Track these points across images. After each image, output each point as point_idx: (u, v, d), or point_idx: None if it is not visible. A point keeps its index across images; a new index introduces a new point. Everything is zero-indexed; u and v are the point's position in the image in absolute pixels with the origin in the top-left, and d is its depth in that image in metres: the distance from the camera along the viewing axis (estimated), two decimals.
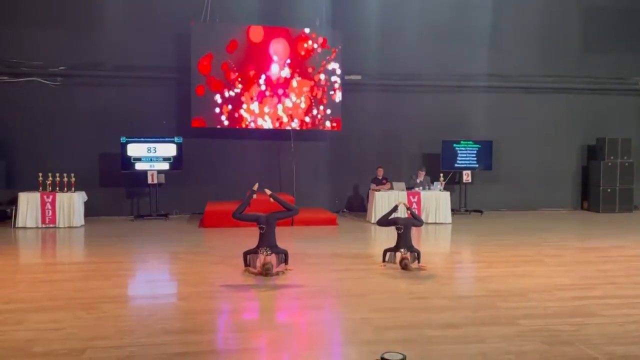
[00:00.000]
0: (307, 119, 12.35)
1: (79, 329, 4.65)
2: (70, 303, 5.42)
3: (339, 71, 12.40)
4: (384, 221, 7.61)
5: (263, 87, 12.13)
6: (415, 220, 7.60)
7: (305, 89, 12.29)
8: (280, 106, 12.21)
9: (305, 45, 12.24)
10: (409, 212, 7.97)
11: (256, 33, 12.06)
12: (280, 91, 12.21)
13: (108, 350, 4.17)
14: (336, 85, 12.40)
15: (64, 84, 11.89)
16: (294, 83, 12.24)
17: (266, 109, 12.16)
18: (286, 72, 12.22)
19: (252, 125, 12.17)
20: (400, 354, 2.22)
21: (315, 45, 12.27)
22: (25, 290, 5.97)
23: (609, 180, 13.43)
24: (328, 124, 12.45)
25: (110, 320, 4.91)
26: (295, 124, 12.32)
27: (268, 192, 7.33)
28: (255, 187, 7.35)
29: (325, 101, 12.38)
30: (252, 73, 12.06)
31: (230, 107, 12.01)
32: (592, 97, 13.92)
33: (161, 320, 4.94)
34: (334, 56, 12.34)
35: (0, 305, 5.32)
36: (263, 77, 12.11)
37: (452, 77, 13.20)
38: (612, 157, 13.43)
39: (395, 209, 7.80)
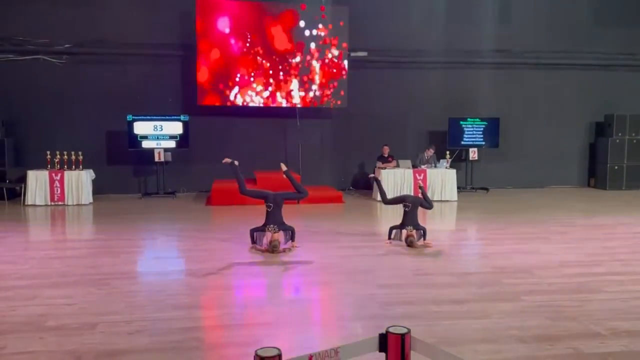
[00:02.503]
0: (313, 96, 12.30)
1: (90, 304, 4.75)
2: (81, 279, 5.52)
3: (345, 48, 12.29)
4: (391, 200, 7.63)
5: (268, 65, 12.06)
6: (424, 201, 7.59)
7: (311, 65, 12.21)
8: (285, 83, 12.15)
9: (311, 21, 12.12)
10: (420, 191, 7.97)
11: (261, 10, 11.95)
12: (286, 68, 12.14)
13: (119, 325, 4.26)
14: (342, 62, 12.31)
15: (70, 61, 11.87)
16: (300, 59, 12.16)
17: (271, 87, 12.12)
18: (292, 49, 12.13)
19: (258, 103, 12.14)
20: (404, 327, 2.26)
21: (321, 22, 12.14)
22: (37, 266, 6.07)
23: (617, 157, 13.35)
24: (334, 101, 12.39)
25: (120, 296, 5.00)
26: (301, 102, 12.28)
27: (284, 167, 7.39)
28: (226, 160, 7.15)
29: (331, 78, 12.31)
30: (257, 50, 11.99)
31: (235, 84, 11.97)
32: (602, 73, 13.75)
33: (170, 295, 5.03)
34: (340, 32, 12.22)
35: (12, 281, 5.43)
36: (268, 53, 12.04)
37: (459, 54, 13.06)
38: (620, 134, 13.33)
39: (376, 180, 8.00)
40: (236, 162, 7.17)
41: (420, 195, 7.90)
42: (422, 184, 8.35)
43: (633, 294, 5.13)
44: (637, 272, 5.95)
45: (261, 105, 12.19)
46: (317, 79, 12.25)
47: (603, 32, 13.51)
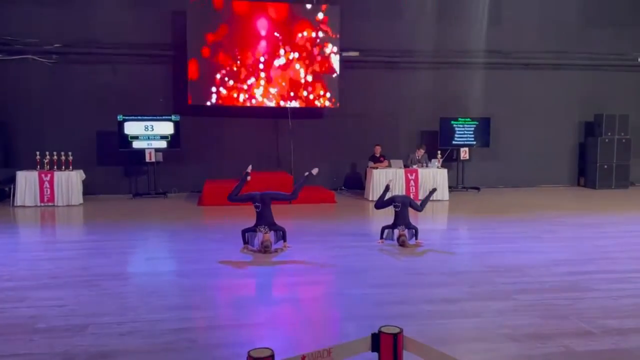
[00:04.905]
0: (305, 97, 12.29)
1: (80, 306, 4.71)
2: (72, 280, 5.48)
3: (336, 47, 12.29)
4: (381, 203, 7.62)
5: (260, 65, 12.04)
6: (413, 201, 7.64)
7: (303, 65, 12.20)
8: (277, 83, 12.13)
9: (303, 21, 12.12)
10: (428, 195, 8.08)
11: (253, 9, 11.92)
12: (278, 68, 12.12)
13: (110, 326, 4.23)
14: (334, 62, 12.31)
15: (60, 61, 11.78)
16: (291, 59, 12.15)
17: (263, 87, 12.09)
18: (283, 49, 12.11)
19: (249, 103, 12.11)
20: (397, 327, 2.27)
21: (313, 21, 12.14)
22: (27, 268, 6.02)
23: (606, 156, 13.46)
24: (326, 101, 12.39)
25: (111, 297, 4.97)
26: (292, 102, 12.27)
27: (315, 171, 7.38)
28: (249, 169, 7.45)
29: (322, 78, 12.30)
30: (248, 50, 11.96)
31: (227, 84, 11.94)
32: (591, 73, 13.86)
33: (162, 296, 5.00)
34: (332, 32, 12.22)
35: (2, 283, 5.38)
36: (260, 54, 12.02)
37: (451, 54, 13.12)
38: (609, 134, 13.44)
39: (387, 189, 7.83)
40: (249, 178, 7.33)
41: (411, 196, 7.94)
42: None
43: (623, 292, 5.17)
44: (627, 270, 6.00)
45: (253, 105, 12.16)
46: (309, 78, 12.24)
47: (592, 32, 13.63)
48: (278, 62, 12.11)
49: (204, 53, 11.77)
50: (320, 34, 12.19)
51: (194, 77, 11.79)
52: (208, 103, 11.97)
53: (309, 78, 12.24)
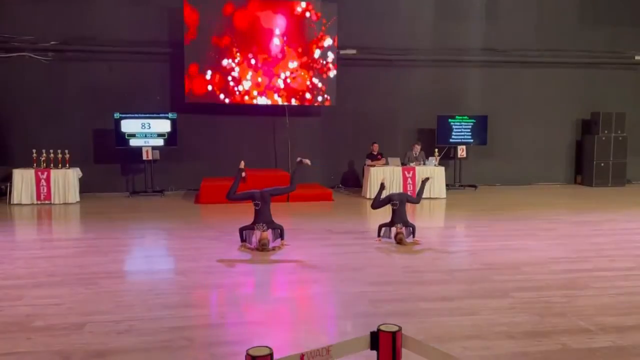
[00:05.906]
0: (302, 94, 12.27)
1: (78, 304, 4.70)
2: (69, 279, 5.47)
3: (334, 46, 12.28)
4: (378, 203, 7.61)
5: (257, 63, 12.01)
6: (410, 196, 7.66)
7: (300, 63, 12.18)
8: (274, 81, 12.11)
9: (300, 19, 12.10)
10: (421, 185, 8.03)
11: (250, 6, 11.89)
12: (275, 66, 12.10)
13: (107, 325, 4.22)
14: (331, 60, 12.29)
15: (56, 59, 11.73)
16: (289, 58, 12.13)
17: (260, 85, 12.07)
18: (280, 47, 12.09)
19: (247, 101, 12.08)
20: (395, 325, 2.27)
21: (310, 19, 12.12)
22: (24, 266, 6.00)
23: (603, 154, 13.49)
24: (323, 99, 12.38)
25: (108, 295, 4.96)
26: (289, 100, 12.24)
27: (307, 161, 7.43)
28: (242, 165, 7.38)
29: (320, 76, 12.29)
30: (245, 48, 11.93)
31: (224, 82, 11.91)
32: (588, 71, 13.88)
33: (159, 295, 4.99)
34: (329, 30, 12.20)
35: None
36: (257, 52, 11.99)
37: (448, 52, 13.11)
38: (606, 132, 13.47)
39: (382, 187, 7.82)
40: (243, 174, 7.24)
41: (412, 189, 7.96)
42: (428, 177, 8.42)
43: (620, 290, 5.19)
44: (623, 267, 6.02)
45: (250, 103, 12.13)
46: (306, 76, 12.22)
47: (589, 30, 13.64)
48: (275, 60, 12.08)
49: (202, 50, 11.73)
50: (318, 32, 12.17)
51: (192, 75, 11.76)
52: (205, 101, 11.94)
53: (307, 76, 12.22)
